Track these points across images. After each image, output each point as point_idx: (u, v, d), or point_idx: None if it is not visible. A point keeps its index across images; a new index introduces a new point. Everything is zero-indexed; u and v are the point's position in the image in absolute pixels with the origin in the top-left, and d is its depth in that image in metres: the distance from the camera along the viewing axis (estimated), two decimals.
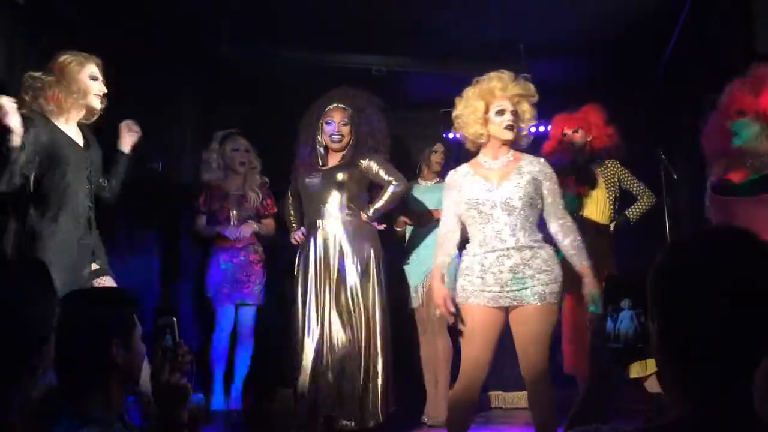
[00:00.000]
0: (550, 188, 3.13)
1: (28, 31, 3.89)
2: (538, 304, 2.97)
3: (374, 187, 4.35)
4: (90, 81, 3.28)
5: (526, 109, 3.16)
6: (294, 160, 4.45)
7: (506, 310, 3.02)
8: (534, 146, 3.48)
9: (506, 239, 3.01)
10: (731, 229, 1.20)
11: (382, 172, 4.24)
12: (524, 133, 3.19)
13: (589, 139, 4.35)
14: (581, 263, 3.09)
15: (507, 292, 2.98)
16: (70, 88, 3.21)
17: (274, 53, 5.00)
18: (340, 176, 4.23)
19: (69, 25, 4.14)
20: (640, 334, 1.42)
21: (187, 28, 4.65)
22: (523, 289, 2.97)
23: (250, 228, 4.76)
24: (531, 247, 3.01)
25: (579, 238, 3.13)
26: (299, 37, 4.84)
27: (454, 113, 3.23)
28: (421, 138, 5.19)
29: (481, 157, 3.18)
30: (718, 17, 4.24)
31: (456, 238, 3.17)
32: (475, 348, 3.00)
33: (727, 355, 1.11)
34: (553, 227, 3.13)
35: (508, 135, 3.11)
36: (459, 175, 3.18)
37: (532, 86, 3.20)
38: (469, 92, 3.18)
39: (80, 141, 3.31)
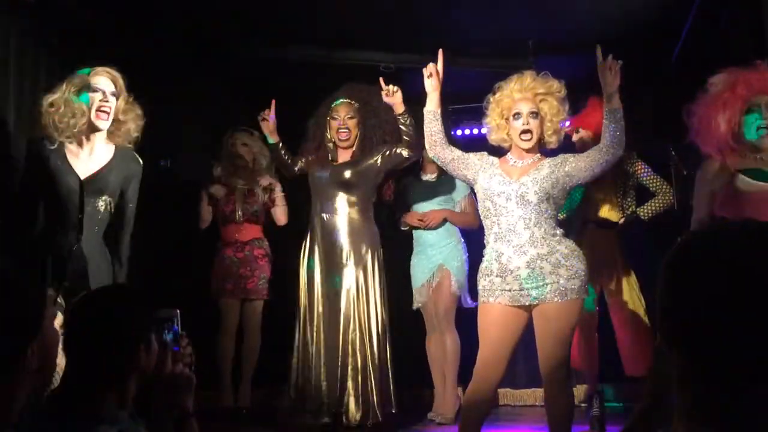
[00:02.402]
0: (575, 156, 3.10)
1: (37, 30, 3.89)
2: (559, 301, 2.92)
3: (385, 186, 4.35)
4: (91, 93, 3.19)
5: (552, 107, 3.10)
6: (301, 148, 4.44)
7: (529, 308, 2.99)
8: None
9: (521, 233, 2.98)
10: (748, 223, 1.11)
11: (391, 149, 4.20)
12: (550, 132, 3.12)
13: (591, 134, 4.28)
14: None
15: (527, 290, 2.95)
16: (67, 113, 3.16)
17: (282, 50, 5.00)
18: (347, 174, 4.22)
19: (79, 23, 4.14)
20: None
21: (195, 26, 4.65)
22: (542, 286, 2.93)
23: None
24: (548, 242, 2.97)
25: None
26: (307, 34, 4.83)
27: (484, 120, 3.24)
28: None
29: (509, 155, 3.17)
30: (728, 12, 4.22)
31: (446, 145, 3.18)
32: (493, 347, 2.97)
33: (740, 356, 1.03)
34: (600, 147, 3.05)
35: (525, 144, 3.08)
36: (487, 160, 3.16)
37: (555, 82, 3.13)
38: (491, 98, 3.18)
39: (93, 165, 3.26)
